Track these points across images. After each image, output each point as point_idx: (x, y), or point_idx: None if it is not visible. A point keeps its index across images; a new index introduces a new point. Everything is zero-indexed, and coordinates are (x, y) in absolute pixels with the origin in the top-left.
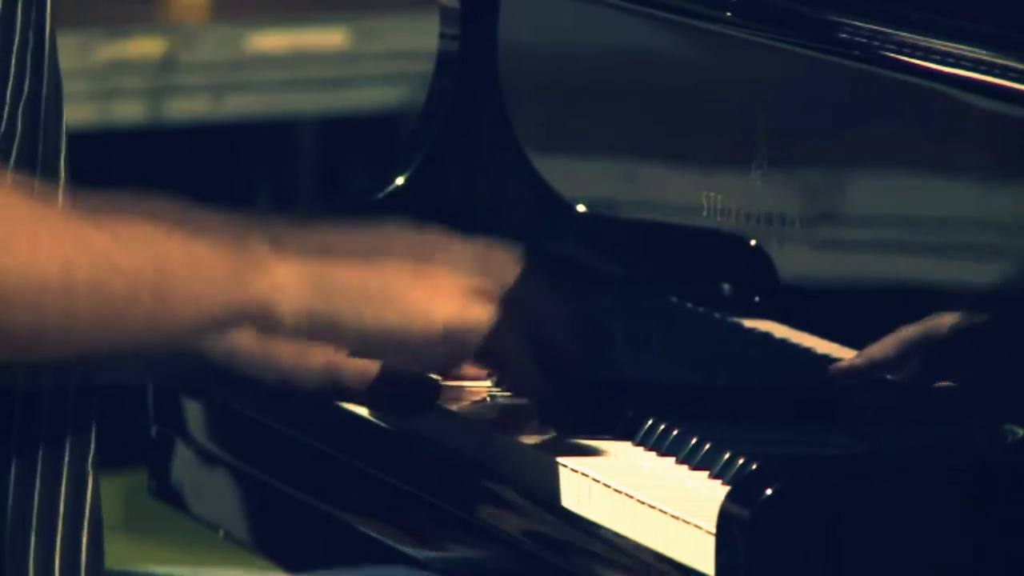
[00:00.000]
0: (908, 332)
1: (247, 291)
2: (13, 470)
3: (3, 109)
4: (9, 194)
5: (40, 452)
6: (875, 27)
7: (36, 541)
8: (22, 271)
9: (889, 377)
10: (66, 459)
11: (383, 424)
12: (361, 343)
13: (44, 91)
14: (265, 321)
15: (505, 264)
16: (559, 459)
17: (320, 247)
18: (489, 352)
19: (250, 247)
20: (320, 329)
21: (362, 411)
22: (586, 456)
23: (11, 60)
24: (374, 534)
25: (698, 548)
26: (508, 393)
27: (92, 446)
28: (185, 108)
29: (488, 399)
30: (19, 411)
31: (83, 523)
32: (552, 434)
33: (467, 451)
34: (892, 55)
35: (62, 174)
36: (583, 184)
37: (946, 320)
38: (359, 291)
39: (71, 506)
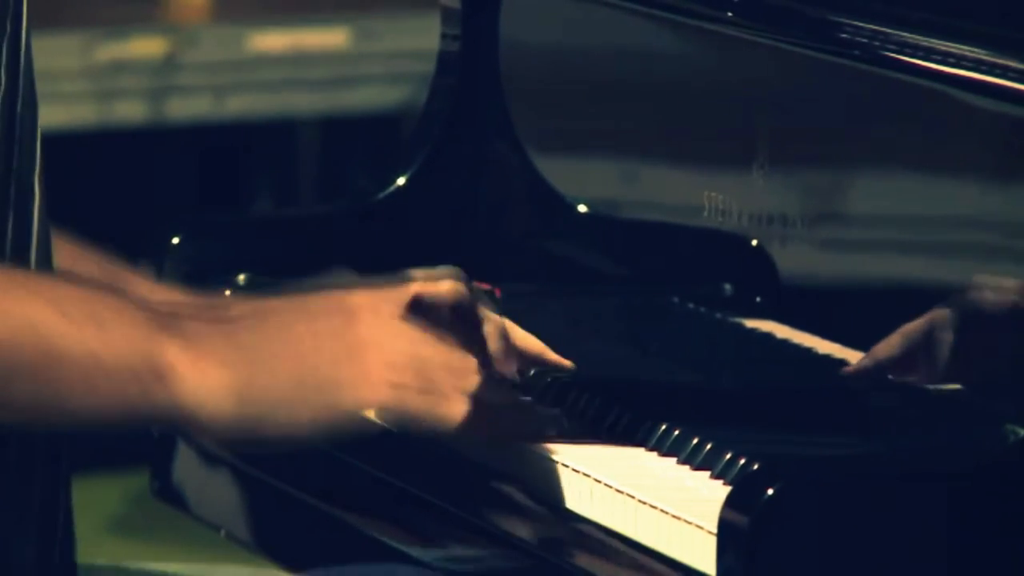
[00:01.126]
0: (909, 332)
1: (150, 399)
2: None
3: None
4: None
5: (12, 460)
6: (876, 27)
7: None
8: None
9: (890, 378)
10: (38, 471)
11: (385, 425)
12: (295, 439)
13: (20, 99)
14: (186, 426)
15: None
16: (561, 460)
17: (240, 343)
18: None
19: (160, 350)
20: (249, 432)
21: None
22: (588, 457)
23: None
24: (375, 534)
25: (699, 548)
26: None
27: (65, 454)
28: (186, 108)
29: None
30: None
31: (55, 536)
32: (554, 435)
33: (468, 452)
34: (893, 55)
35: (36, 184)
36: (585, 184)
37: (946, 321)
38: (290, 391)
39: (44, 516)
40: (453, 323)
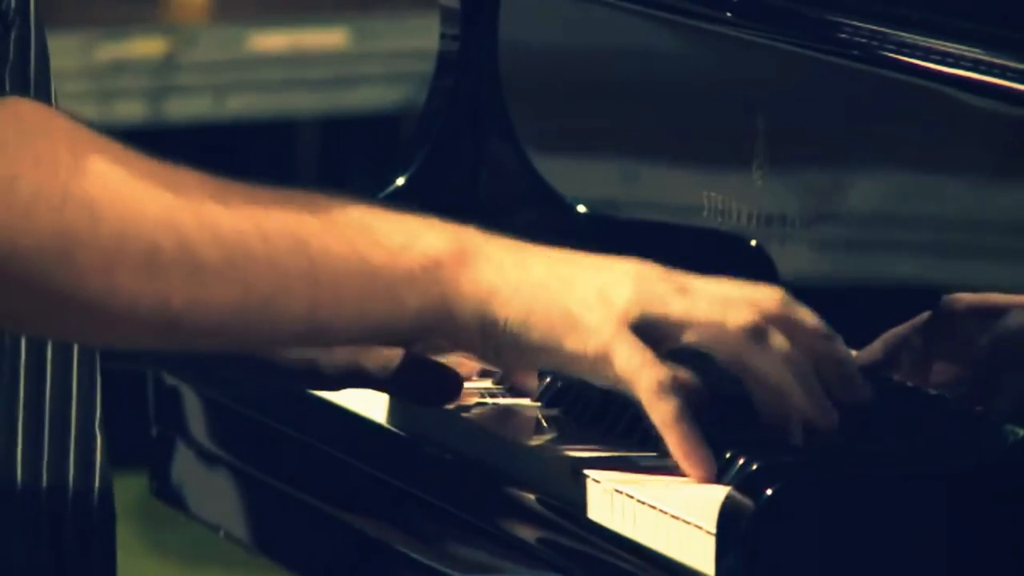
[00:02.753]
0: (908, 332)
1: (423, 298)
2: (20, 431)
3: None
4: (117, 152)
5: (47, 412)
6: (875, 27)
7: (47, 498)
8: (125, 234)
9: (890, 377)
10: (73, 419)
11: (385, 424)
12: (536, 365)
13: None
14: (445, 329)
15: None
16: (560, 460)
17: (519, 258)
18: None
19: (433, 249)
20: (496, 346)
21: (366, 412)
22: (587, 457)
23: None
24: (375, 535)
25: (698, 549)
26: (505, 393)
27: (98, 406)
28: (186, 108)
29: (487, 399)
30: (28, 370)
31: (94, 484)
32: (551, 434)
33: (469, 452)
34: (892, 55)
35: None
36: (584, 184)
37: (947, 320)
38: (543, 319)
39: (80, 465)
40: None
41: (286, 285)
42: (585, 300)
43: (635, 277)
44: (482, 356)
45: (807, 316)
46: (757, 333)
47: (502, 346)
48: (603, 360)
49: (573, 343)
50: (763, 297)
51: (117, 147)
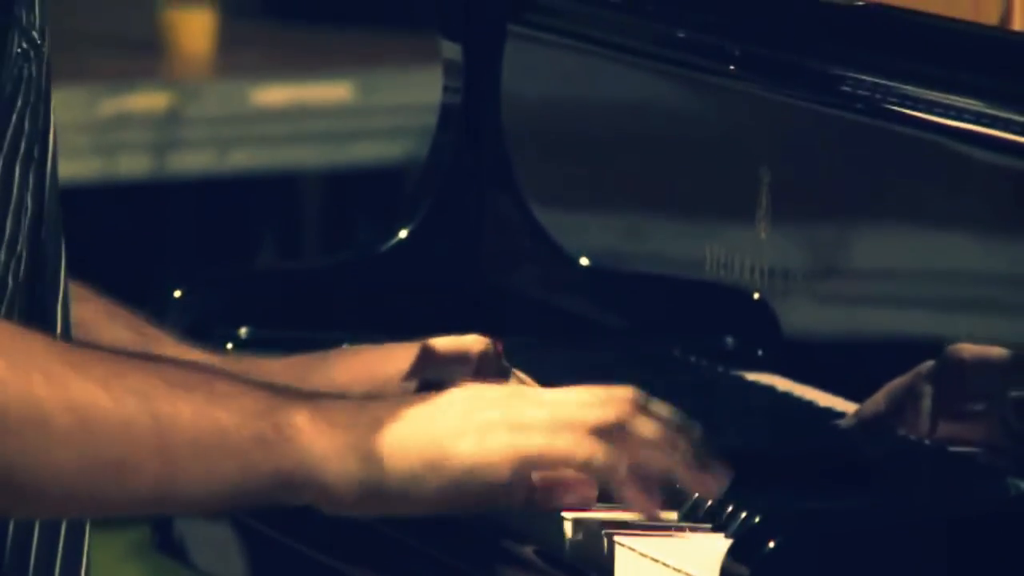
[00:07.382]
0: (911, 383)
1: (274, 463)
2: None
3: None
4: None
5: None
6: (877, 80)
7: None
8: None
9: (893, 430)
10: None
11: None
12: (427, 506)
13: (45, 225)
14: (309, 491)
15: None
16: (561, 512)
17: (368, 412)
18: None
19: (285, 414)
20: (373, 497)
21: None
22: (588, 508)
23: (6, 223)
24: None
25: None
26: None
27: (83, 566)
28: (189, 162)
29: None
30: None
31: None
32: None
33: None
34: (895, 108)
35: (59, 310)
36: (586, 237)
37: (949, 371)
38: (415, 459)
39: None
40: (479, 376)
41: (135, 447)
42: (459, 427)
43: (485, 400)
44: (368, 510)
45: (660, 408)
46: (619, 428)
47: (391, 499)
48: (511, 455)
49: (466, 454)
50: (617, 394)
51: None
